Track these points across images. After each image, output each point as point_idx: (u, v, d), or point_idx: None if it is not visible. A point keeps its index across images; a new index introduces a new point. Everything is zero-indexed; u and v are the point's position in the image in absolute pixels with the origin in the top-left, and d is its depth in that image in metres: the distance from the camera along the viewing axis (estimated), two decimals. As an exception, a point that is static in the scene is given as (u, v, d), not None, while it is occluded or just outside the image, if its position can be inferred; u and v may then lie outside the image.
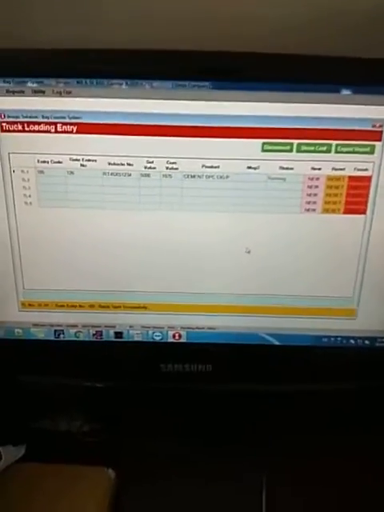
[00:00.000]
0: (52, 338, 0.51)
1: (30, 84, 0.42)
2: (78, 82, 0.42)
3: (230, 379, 0.51)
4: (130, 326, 0.51)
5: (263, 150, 0.43)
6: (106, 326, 0.51)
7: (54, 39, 0.43)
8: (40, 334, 0.51)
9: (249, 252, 0.47)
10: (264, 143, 0.43)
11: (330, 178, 0.44)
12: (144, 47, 0.40)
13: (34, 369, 0.53)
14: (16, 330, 0.51)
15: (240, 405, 0.54)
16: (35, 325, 0.51)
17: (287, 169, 0.44)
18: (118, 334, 0.51)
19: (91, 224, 0.46)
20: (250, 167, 0.44)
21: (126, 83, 0.42)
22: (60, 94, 0.42)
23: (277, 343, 0.50)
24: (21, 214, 0.46)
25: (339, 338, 0.50)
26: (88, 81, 0.42)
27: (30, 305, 0.50)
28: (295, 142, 0.43)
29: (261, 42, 0.44)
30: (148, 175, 0.45)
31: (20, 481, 0.49)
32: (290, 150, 0.43)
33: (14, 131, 0.43)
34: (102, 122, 0.43)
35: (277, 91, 0.41)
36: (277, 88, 0.41)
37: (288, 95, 0.41)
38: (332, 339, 0.50)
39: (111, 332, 0.51)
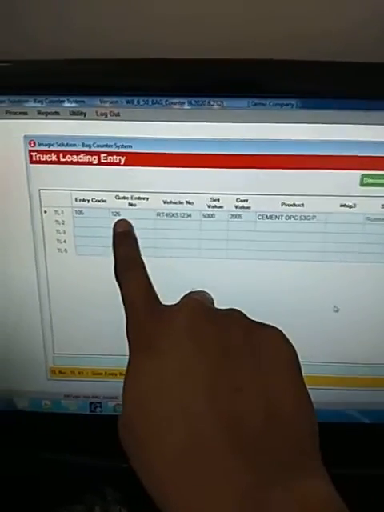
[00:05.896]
0: (86, 411, 0.42)
1: (67, 104, 0.33)
2: (128, 102, 0.33)
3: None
4: (184, 399, 0.41)
5: (362, 185, 0.34)
6: (153, 398, 0.41)
7: (93, 46, 0.34)
8: (72, 407, 0.42)
9: (337, 311, 0.37)
10: (364, 176, 0.34)
11: None
12: (211, 56, 0.32)
13: (64, 447, 0.44)
14: (44, 402, 0.42)
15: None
16: (67, 396, 0.42)
17: (392, 208, 0.34)
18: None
19: (139, 276, 0.37)
20: (344, 205, 0.34)
21: (190, 102, 0.33)
22: (105, 117, 0.33)
23: (367, 422, 0.40)
24: (53, 264, 0.37)
25: None
26: (141, 100, 0.33)
27: (60, 372, 0.41)
28: (404, 174, 0.34)
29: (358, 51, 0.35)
30: (212, 216, 0.35)
31: None
32: (398, 185, 0.34)
33: (46, 162, 0.35)
34: (156, 152, 0.34)
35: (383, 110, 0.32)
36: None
37: (399, 115, 0.32)
38: None
39: (159, 405, 0.42)
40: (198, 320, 0.20)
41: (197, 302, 0.21)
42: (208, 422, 0.17)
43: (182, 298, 0.22)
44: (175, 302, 0.22)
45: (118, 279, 0.23)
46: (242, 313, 0.21)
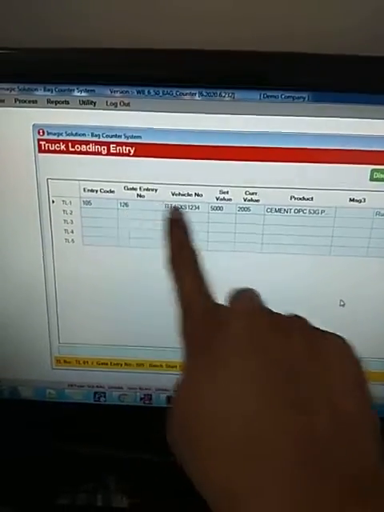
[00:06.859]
0: (91, 401, 0.42)
1: (77, 93, 0.33)
2: (138, 92, 0.33)
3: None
4: (188, 390, 0.41)
5: (372, 179, 0.34)
6: (156, 389, 0.42)
7: (105, 36, 0.34)
8: (76, 397, 0.42)
9: (343, 305, 0.37)
10: (373, 170, 0.34)
11: None
12: (221, 47, 0.31)
13: (67, 436, 0.44)
14: (48, 391, 0.42)
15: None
16: (71, 385, 0.42)
17: (402, 203, 0.34)
18: (171, 399, 0.42)
19: (146, 267, 0.37)
20: (353, 200, 0.34)
21: (201, 94, 0.33)
22: (115, 107, 0.33)
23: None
24: (60, 254, 0.37)
25: None
26: (152, 90, 0.33)
27: (65, 361, 0.41)
28: (415, 169, 0.33)
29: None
30: (220, 208, 0.35)
31: None
32: (408, 180, 0.34)
33: (55, 152, 0.34)
34: (166, 143, 0.34)
35: (395, 105, 0.32)
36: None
37: (411, 110, 0.32)
38: None
39: (163, 396, 0.42)
40: (258, 327, 0.19)
41: (253, 304, 0.20)
42: (273, 433, 0.16)
43: (233, 297, 0.21)
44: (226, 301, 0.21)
45: (171, 271, 0.22)
46: (304, 320, 0.20)
